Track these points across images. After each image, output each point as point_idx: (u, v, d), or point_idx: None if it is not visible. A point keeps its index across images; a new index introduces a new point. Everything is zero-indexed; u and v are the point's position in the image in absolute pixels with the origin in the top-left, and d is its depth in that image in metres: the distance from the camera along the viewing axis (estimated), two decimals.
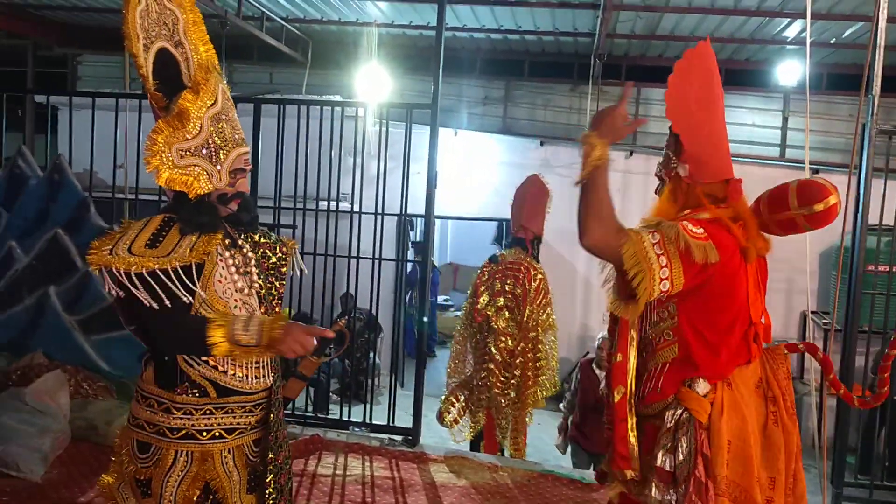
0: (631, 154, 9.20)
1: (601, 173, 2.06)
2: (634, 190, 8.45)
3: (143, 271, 2.00)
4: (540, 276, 4.91)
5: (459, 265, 14.28)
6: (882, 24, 4.08)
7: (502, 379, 4.85)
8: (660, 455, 2.23)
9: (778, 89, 9.92)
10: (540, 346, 4.86)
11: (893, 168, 4.55)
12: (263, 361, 2.25)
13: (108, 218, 5.54)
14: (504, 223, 10.93)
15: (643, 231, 2.15)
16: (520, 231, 5.06)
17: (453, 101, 10.27)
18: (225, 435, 2.21)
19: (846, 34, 8.39)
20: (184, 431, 2.15)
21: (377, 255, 5.16)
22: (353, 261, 5.27)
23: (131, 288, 2.01)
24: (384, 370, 8.57)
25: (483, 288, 4.97)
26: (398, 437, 5.07)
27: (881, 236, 4.73)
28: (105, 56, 11.04)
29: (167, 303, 2.04)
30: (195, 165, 2.13)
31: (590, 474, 4.63)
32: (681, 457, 2.19)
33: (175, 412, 2.14)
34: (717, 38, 9.08)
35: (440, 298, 12.88)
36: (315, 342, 2.13)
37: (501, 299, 4.87)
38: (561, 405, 5.83)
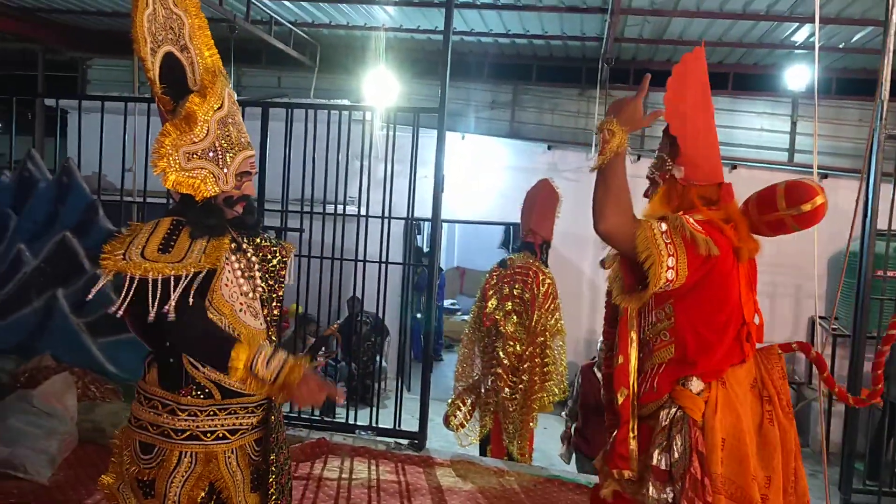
0: (639, 158, 9.17)
1: (620, 160, 2.10)
2: (642, 193, 8.42)
3: (160, 277, 2.00)
4: (548, 280, 4.90)
5: (466, 269, 14.28)
6: (893, 28, 4.06)
7: (510, 383, 4.83)
8: (655, 454, 2.25)
9: (787, 94, 9.89)
10: (548, 350, 4.84)
11: None
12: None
13: (116, 221, 5.56)
14: (511, 227, 10.94)
15: (652, 220, 2.19)
16: (529, 235, 5.04)
17: (461, 105, 10.27)
18: (229, 436, 2.21)
19: (856, 38, 8.35)
20: (188, 433, 2.15)
21: (384, 259, 5.16)
22: (360, 264, 5.28)
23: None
24: (391, 374, 8.58)
25: (491, 292, 4.96)
26: (404, 441, 5.07)
27: (890, 241, 4.71)
28: (114, 60, 11.10)
29: (174, 304, 2.03)
30: (202, 168, 2.13)
31: (595, 479, 4.61)
32: (676, 455, 2.21)
33: (180, 413, 2.15)
34: (725, 42, 9.07)
35: (447, 302, 12.89)
36: (323, 399, 2.09)
37: (510, 303, 4.86)
38: (562, 413, 5.79)
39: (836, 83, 9.95)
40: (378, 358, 7.15)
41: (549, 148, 9.75)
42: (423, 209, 5.20)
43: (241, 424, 2.24)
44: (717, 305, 2.26)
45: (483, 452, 5.18)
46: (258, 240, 2.39)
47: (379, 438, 5.13)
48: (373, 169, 5.18)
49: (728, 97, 10.26)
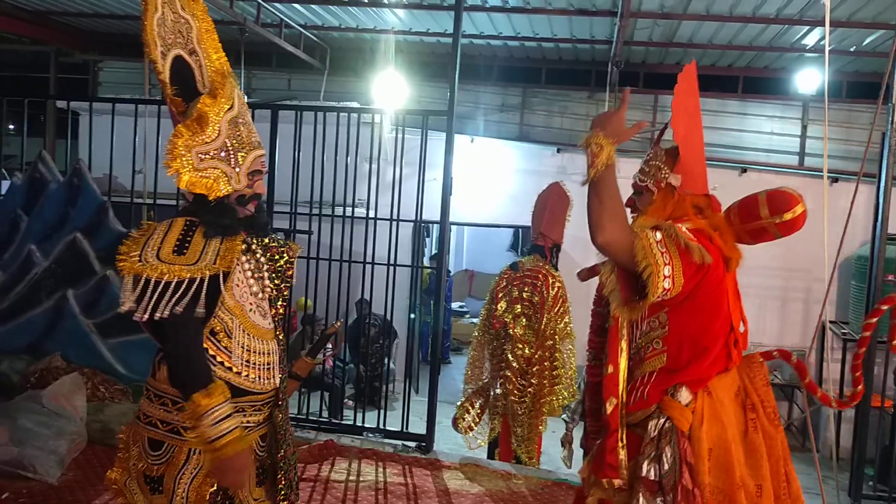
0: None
1: (610, 172, 2.11)
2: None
3: (174, 280, 2.01)
4: (558, 284, 4.90)
5: (475, 272, 14.29)
6: None
7: (519, 386, 4.83)
8: (645, 465, 2.26)
9: (797, 97, 9.86)
10: (557, 354, 4.84)
11: None
12: (273, 363, 2.30)
13: (126, 222, 5.58)
14: (520, 230, 10.94)
15: (646, 229, 2.21)
16: (539, 238, 5.04)
17: (470, 108, 10.28)
18: None
19: (866, 42, 8.33)
20: None
21: (392, 262, 5.17)
22: (369, 267, 5.28)
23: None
24: (399, 376, 8.58)
25: (501, 295, 4.96)
26: (412, 444, 5.07)
27: None
28: (125, 62, 11.18)
29: (183, 308, 2.04)
30: (214, 168, 2.15)
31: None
32: (666, 466, 2.23)
33: None
34: (735, 45, 9.06)
35: (455, 305, 12.89)
36: (237, 482, 2.14)
37: (519, 306, 4.86)
38: (563, 416, 5.73)
39: (846, 87, 9.92)
40: (386, 360, 7.15)
41: (558, 151, 9.73)
42: (432, 212, 5.20)
43: (248, 422, 2.25)
44: (712, 313, 2.29)
45: (491, 455, 5.18)
46: (266, 240, 2.41)
47: (386, 441, 5.13)
48: (382, 171, 5.19)
49: (738, 101, 10.24)
